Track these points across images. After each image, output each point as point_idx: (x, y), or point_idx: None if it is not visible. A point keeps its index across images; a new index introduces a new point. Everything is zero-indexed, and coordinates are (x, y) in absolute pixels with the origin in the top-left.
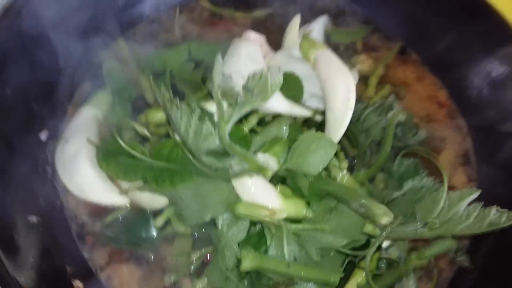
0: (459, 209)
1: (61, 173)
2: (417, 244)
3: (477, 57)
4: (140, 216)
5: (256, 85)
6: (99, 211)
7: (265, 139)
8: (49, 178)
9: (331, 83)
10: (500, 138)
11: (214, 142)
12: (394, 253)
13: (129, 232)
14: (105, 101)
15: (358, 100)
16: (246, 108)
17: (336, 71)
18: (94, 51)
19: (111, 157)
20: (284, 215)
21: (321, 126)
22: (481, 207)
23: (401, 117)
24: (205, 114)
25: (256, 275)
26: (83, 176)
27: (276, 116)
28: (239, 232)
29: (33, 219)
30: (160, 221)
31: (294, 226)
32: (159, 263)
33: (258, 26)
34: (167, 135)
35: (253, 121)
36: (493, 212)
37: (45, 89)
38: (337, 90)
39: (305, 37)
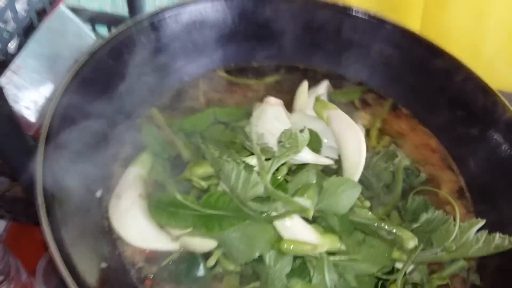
0: (469, 235)
1: (116, 226)
2: (433, 268)
3: (455, 108)
4: (191, 258)
5: (288, 141)
6: (154, 256)
7: (296, 185)
8: (106, 230)
9: (344, 136)
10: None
11: (260, 190)
12: (417, 277)
13: (182, 274)
14: (147, 161)
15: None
16: (282, 160)
17: (347, 126)
18: (132, 118)
19: (162, 208)
20: (324, 249)
21: (336, 173)
22: (487, 233)
23: (406, 162)
24: (251, 167)
25: None
26: (138, 227)
27: (301, 166)
28: (285, 265)
29: (104, 265)
30: (211, 261)
31: (332, 258)
32: None
33: (269, 90)
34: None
35: (284, 170)
36: (497, 237)
37: (97, 153)
38: (350, 141)
39: (317, 100)
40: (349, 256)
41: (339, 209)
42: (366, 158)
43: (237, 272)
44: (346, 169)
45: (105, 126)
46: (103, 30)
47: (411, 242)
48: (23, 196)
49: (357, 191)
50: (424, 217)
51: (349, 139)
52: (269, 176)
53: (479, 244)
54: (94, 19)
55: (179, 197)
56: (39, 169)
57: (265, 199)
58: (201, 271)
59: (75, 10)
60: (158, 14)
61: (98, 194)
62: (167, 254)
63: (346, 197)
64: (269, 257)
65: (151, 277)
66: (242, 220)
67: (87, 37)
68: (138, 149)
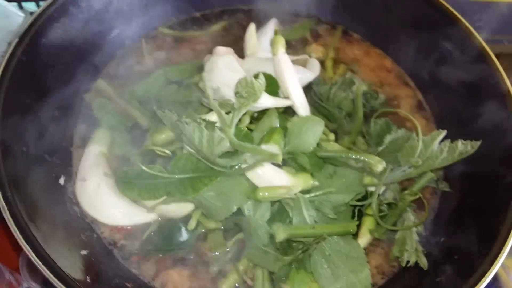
0: (433, 148)
1: (88, 209)
2: (404, 184)
3: (404, 24)
4: (171, 225)
5: (245, 90)
6: (133, 231)
7: (261, 132)
8: (79, 216)
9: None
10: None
11: (225, 145)
12: (390, 196)
13: (166, 242)
14: (105, 137)
15: (322, 82)
16: (242, 111)
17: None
18: (79, 94)
19: (131, 182)
20: (299, 188)
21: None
22: (450, 142)
23: (364, 87)
24: (213, 124)
25: (287, 243)
26: (110, 206)
27: (262, 112)
28: (264, 212)
29: (84, 252)
30: (192, 224)
31: (307, 196)
32: (201, 259)
33: (216, 40)
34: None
35: (246, 120)
36: (460, 144)
37: (50, 140)
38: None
39: (276, 34)
40: (323, 190)
41: (306, 147)
42: (326, 91)
43: (219, 229)
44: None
45: (53, 109)
46: (31, 6)
47: (379, 165)
48: None
49: (320, 125)
50: (388, 138)
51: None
52: (232, 130)
53: (444, 154)
54: None
55: (145, 169)
56: None
57: (233, 153)
58: (184, 235)
59: None
60: None
61: (61, 181)
62: (145, 226)
63: (311, 134)
64: (248, 207)
65: (136, 252)
66: (214, 178)
67: (15, 16)
68: (92, 126)
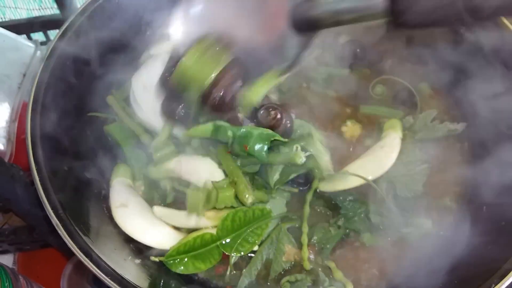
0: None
1: (133, 234)
2: None
3: None
4: None
5: None
6: None
7: None
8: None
9: None
10: None
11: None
12: None
13: None
14: (125, 170)
15: None
16: None
17: None
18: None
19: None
20: None
21: None
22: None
23: None
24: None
25: None
26: (158, 230)
27: None
28: None
29: (138, 261)
30: None
31: None
32: None
33: None
34: None
35: None
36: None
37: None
38: None
39: None
40: None
41: None
42: None
43: None
44: None
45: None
46: (39, 36)
47: None
48: (23, 225)
49: None
50: None
51: None
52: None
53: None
54: (26, 27)
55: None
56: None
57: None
58: None
59: (3, 25)
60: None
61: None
62: None
63: None
64: None
65: None
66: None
67: (26, 47)
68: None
